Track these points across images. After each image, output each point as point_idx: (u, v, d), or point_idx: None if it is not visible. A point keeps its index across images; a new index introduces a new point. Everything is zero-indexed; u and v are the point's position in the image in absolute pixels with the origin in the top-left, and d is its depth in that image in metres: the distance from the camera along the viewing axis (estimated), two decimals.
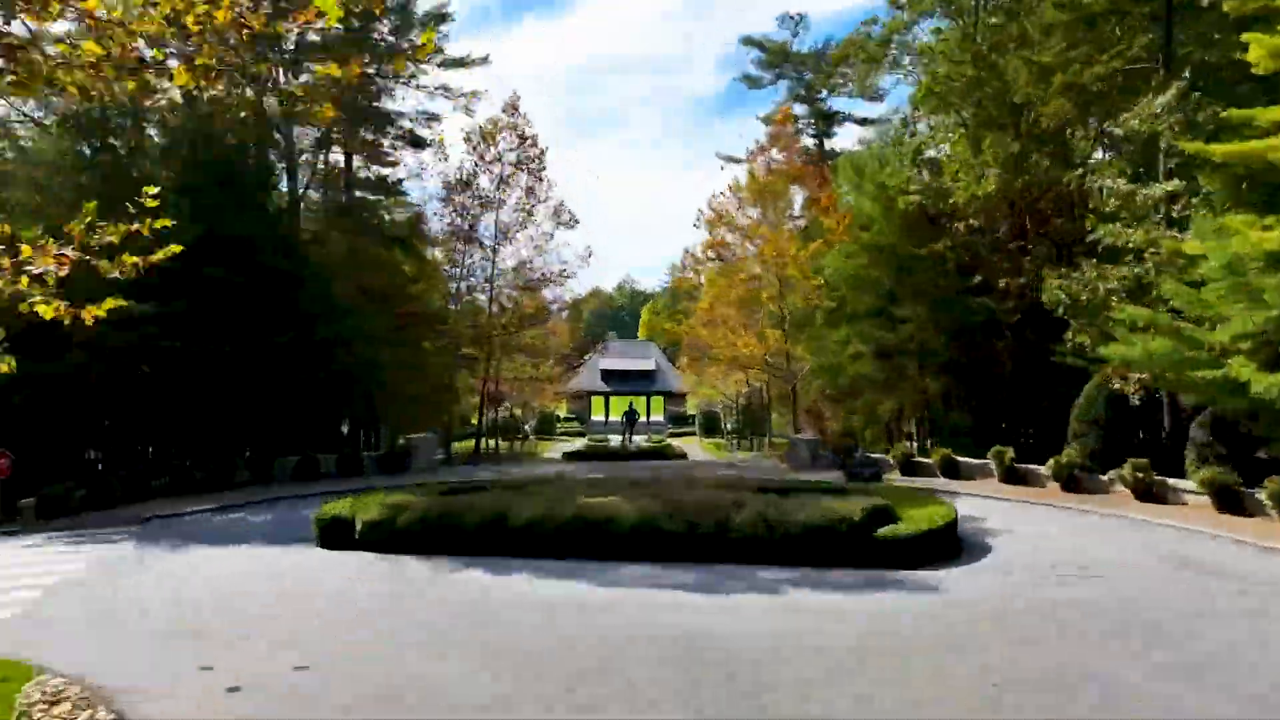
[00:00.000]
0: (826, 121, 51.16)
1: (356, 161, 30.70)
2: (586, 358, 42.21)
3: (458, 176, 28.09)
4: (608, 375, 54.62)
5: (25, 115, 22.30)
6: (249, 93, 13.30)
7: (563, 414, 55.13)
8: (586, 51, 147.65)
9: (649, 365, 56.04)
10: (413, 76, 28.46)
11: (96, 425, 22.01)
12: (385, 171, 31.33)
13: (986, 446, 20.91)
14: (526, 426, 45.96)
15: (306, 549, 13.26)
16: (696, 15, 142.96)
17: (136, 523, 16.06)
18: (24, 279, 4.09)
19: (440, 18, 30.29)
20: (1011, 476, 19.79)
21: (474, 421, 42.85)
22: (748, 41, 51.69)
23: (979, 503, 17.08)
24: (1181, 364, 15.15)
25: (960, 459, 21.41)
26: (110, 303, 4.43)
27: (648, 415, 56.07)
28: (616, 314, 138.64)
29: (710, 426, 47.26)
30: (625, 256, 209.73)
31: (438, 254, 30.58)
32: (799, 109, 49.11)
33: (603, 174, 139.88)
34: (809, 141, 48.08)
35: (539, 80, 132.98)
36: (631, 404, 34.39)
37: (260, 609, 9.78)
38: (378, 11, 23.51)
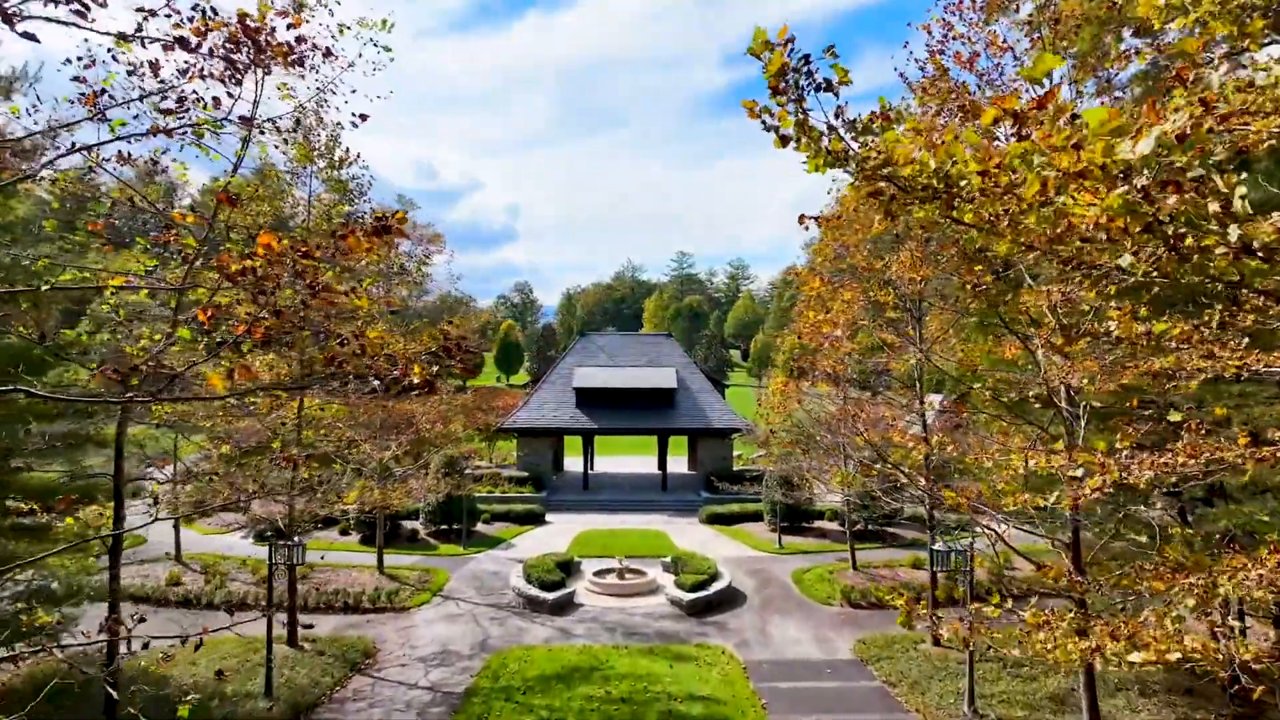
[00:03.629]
0: None
1: None
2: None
3: None
4: (590, 398, 30.00)
5: None
6: None
7: (509, 467, 30.65)
8: (590, 47, 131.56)
9: (665, 380, 30.72)
10: None
11: None
12: None
13: None
14: (413, 527, 21.59)
15: None
16: (701, 13, 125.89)
17: None
18: None
19: None
20: None
21: None
22: None
23: None
24: None
25: None
26: None
27: (663, 465, 31.53)
28: (616, 306, 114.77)
29: (797, 511, 22.85)
30: (626, 254, 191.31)
31: None
32: None
33: (604, 170, 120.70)
34: None
35: (541, 76, 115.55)
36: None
37: None
38: None
